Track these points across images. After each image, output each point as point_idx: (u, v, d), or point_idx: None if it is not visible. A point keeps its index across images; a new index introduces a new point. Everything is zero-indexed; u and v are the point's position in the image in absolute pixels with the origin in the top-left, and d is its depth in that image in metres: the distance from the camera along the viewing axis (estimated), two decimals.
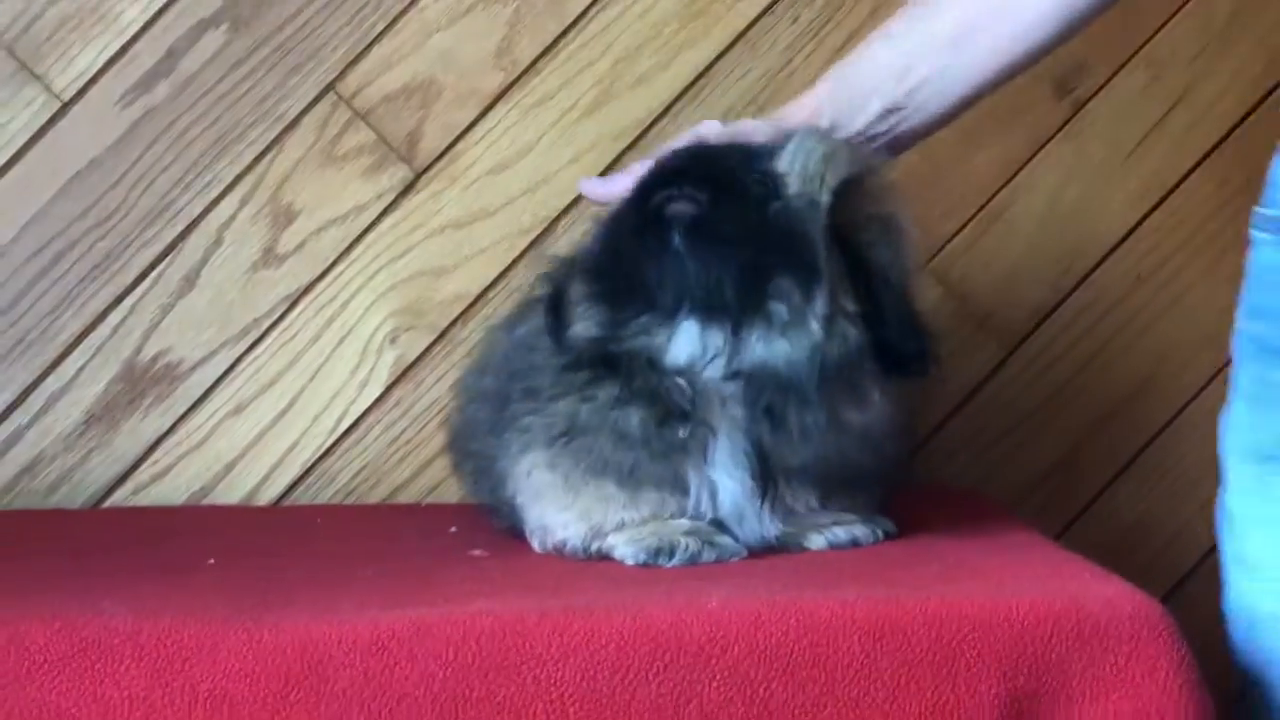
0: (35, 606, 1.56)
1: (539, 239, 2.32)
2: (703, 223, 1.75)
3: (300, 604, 1.60)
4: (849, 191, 1.78)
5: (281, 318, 2.31)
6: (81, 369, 2.29)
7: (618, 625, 1.52)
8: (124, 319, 2.29)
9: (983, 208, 2.39)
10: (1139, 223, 2.41)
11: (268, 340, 2.31)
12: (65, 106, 2.27)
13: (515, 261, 2.32)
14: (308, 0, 2.29)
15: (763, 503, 1.79)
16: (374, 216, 2.32)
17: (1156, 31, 2.40)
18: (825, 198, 1.76)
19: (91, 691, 1.49)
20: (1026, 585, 1.62)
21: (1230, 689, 1.71)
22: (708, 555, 1.77)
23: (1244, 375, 1.77)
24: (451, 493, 2.29)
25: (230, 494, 2.31)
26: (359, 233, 2.31)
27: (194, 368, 2.31)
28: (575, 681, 1.51)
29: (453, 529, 2.04)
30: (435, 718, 1.50)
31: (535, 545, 1.86)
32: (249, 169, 2.30)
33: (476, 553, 1.88)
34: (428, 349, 2.32)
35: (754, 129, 1.88)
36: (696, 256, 1.75)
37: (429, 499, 2.33)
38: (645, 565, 1.77)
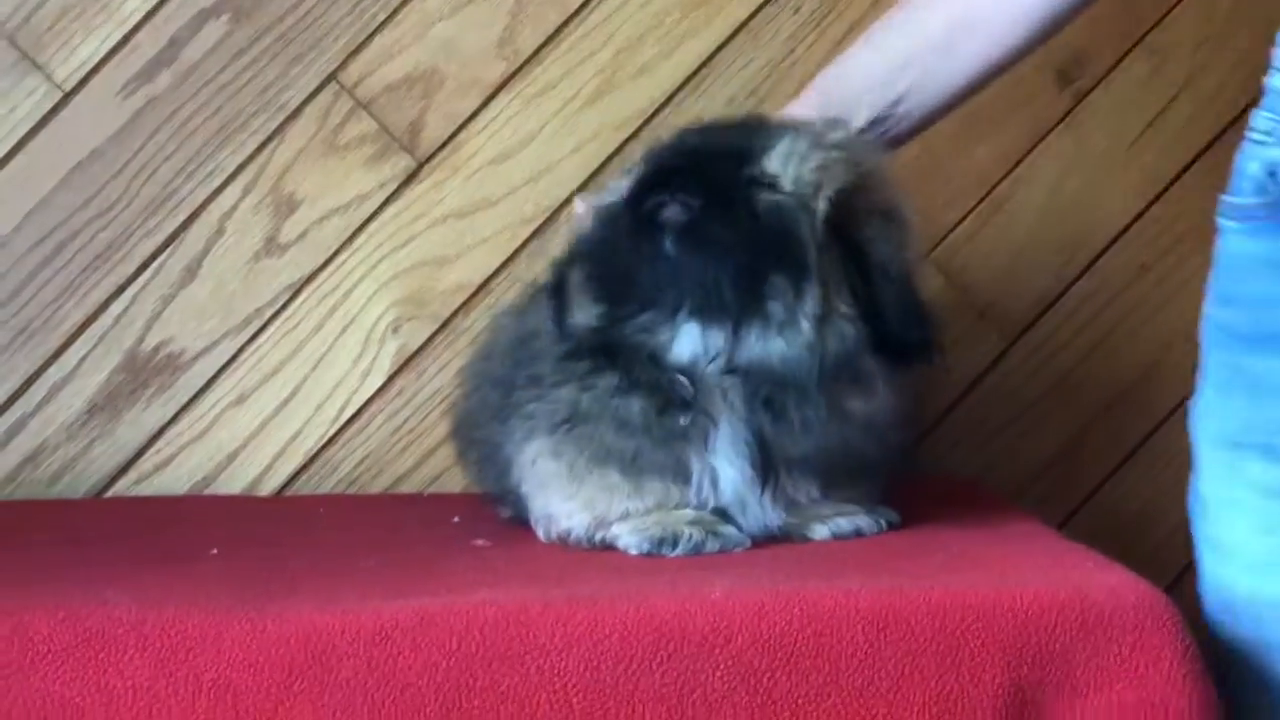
0: (38, 597, 1.56)
1: (541, 228, 2.32)
2: (694, 228, 1.76)
3: (303, 594, 1.60)
4: (847, 190, 1.79)
5: (284, 307, 2.31)
6: (84, 359, 2.29)
7: (621, 615, 1.52)
8: (126, 309, 2.29)
9: (984, 198, 2.39)
10: (1141, 213, 2.40)
11: (270, 330, 2.31)
12: (67, 96, 2.27)
13: (518, 251, 2.32)
14: None
15: (763, 492, 1.80)
16: (376, 206, 2.31)
17: (1158, 22, 2.40)
18: (822, 205, 1.77)
19: (95, 681, 1.49)
20: (1030, 575, 1.62)
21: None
22: (711, 545, 1.77)
23: (1213, 362, 1.79)
24: (454, 482, 2.29)
25: (233, 484, 2.31)
26: (361, 222, 2.31)
27: (196, 357, 2.31)
28: (579, 671, 1.51)
29: (456, 519, 2.04)
30: (439, 707, 1.50)
31: (540, 534, 1.86)
32: (251, 158, 2.30)
33: (479, 542, 1.88)
34: (430, 338, 2.32)
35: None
36: (690, 261, 1.76)
37: (432, 489, 2.33)
38: (649, 555, 1.77)
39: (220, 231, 2.30)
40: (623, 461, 1.80)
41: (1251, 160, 1.76)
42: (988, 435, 2.39)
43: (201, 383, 2.31)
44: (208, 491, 2.31)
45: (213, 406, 2.31)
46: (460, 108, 2.32)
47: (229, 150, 2.29)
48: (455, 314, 2.32)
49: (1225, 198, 1.78)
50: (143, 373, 2.30)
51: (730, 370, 1.77)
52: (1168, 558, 2.26)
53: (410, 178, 2.32)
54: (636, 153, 1.96)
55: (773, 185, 1.77)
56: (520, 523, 1.92)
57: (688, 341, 1.77)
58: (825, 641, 1.52)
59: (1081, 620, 1.53)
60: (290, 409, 2.32)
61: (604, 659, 1.51)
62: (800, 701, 1.51)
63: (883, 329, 1.78)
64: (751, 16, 2.33)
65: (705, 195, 1.76)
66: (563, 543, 1.84)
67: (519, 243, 2.32)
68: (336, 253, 2.31)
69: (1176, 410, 2.36)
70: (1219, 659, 1.71)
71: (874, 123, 1.89)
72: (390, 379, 2.33)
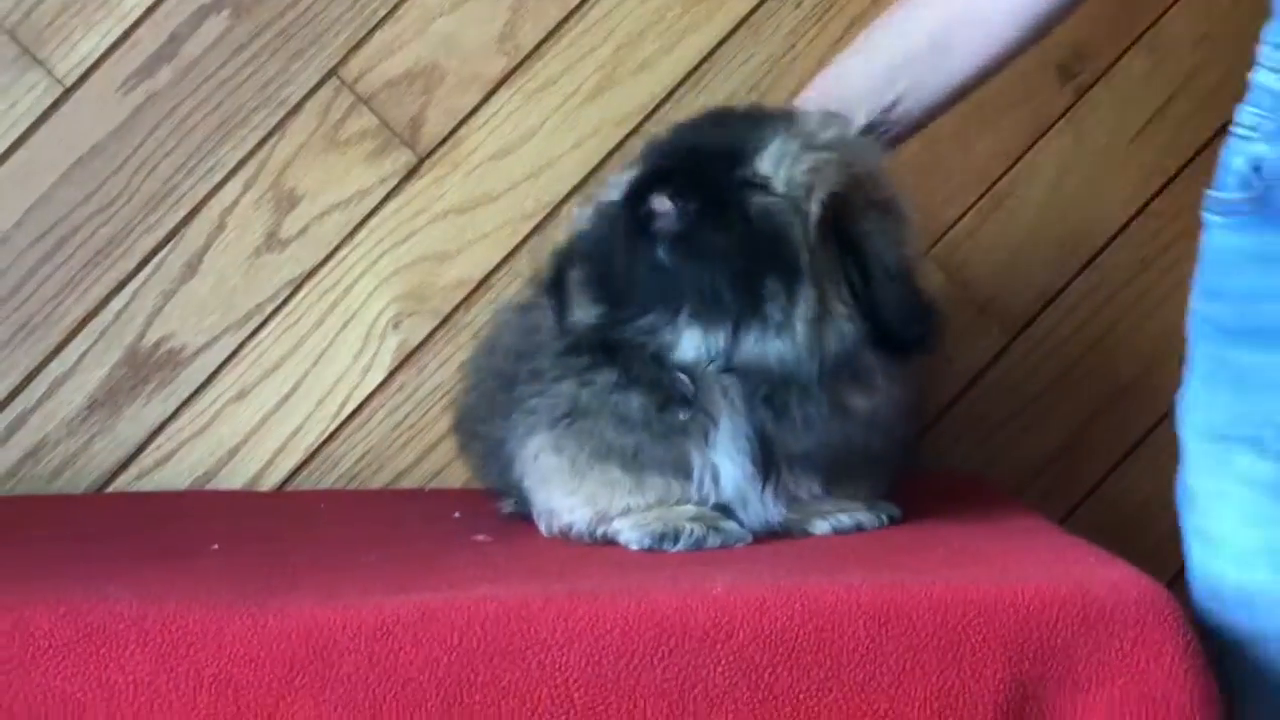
0: (39, 592, 1.56)
1: (542, 224, 2.31)
2: (687, 237, 1.76)
3: (304, 589, 1.60)
4: (840, 192, 1.79)
5: (284, 303, 2.31)
6: (85, 354, 2.29)
7: (622, 610, 1.52)
8: (127, 304, 2.29)
9: (985, 194, 2.39)
10: (1142, 208, 2.40)
11: (271, 325, 2.31)
12: (68, 92, 2.27)
13: (518, 246, 2.32)
14: None
15: (764, 488, 1.80)
16: (377, 201, 2.31)
17: (1159, 17, 2.39)
18: (814, 209, 1.77)
19: (96, 676, 1.49)
20: (1032, 570, 1.62)
21: None
22: (713, 540, 1.77)
23: (1199, 355, 1.80)
24: (455, 478, 2.29)
25: (233, 479, 2.31)
26: (362, 218, 2.31)
27: (197, 353, 2.30)
28: (580, 666, 1.51)
29: (456, 514, 2.04)
30: (440, 702, 1.50)
31: (542, 529, 1.87)
32: (252, 154, 2.30)
33: (480, 538, 1.89)
34: (431, 334, 2.32)
35: None
36: (685, 269, 1.76)
37: (433, 484, 2.33)
38: (650, 550, 1.77)
39: (221, 227, 2.30)
40: (623, 457, 1.80)
41: (1237, 155, 1.77)
42: (989, 430, 2.39)
43: (202, 378, 2.31)
44: (209, 487, 2.31)
45: (213, 402, 2.31)
46: (461, 103, 2.32)
47: (230, 146, 2.29)
48: (456, 309, 2.32)
49: (1210, 192, 1.80)
50: (143, 368, 2.30)
51: (729, 369, 1.77)
52: (1169, 553, 2.24)
53: (411, 173, 2.32)
54: (637, 148, 1.96)
55: (765, 187, 1.77)
56: (521, 518, 1.92)
57: (690, 343, 1.77)
58: (826, 637, 1.52)
59: (1083, 615, 1.53)
60: (291, 404, 2.32)
61: (605, 654, 1.51)
62: (802, 697, 1.51)
63: (882, 324, 1.78)
64: (752, 11, 2.33)
65: (698, 199, 1.76)
66: (564, 537, 1.84)
67: (520, 238, 2.32)
68: (337, 248, 2.31)
69: None
70: (1208, 649, 1.72)
71: (872, 125, 1.89)
72: (391, 374, 2.33)
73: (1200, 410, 1.79)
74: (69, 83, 2.27)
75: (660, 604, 1.53)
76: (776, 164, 1.78)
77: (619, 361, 1.80)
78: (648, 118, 2.32)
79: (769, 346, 1.76)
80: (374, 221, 2.31)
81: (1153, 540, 1.94)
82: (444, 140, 2.32)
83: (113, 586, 1.58)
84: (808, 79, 2.05)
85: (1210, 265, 1.81)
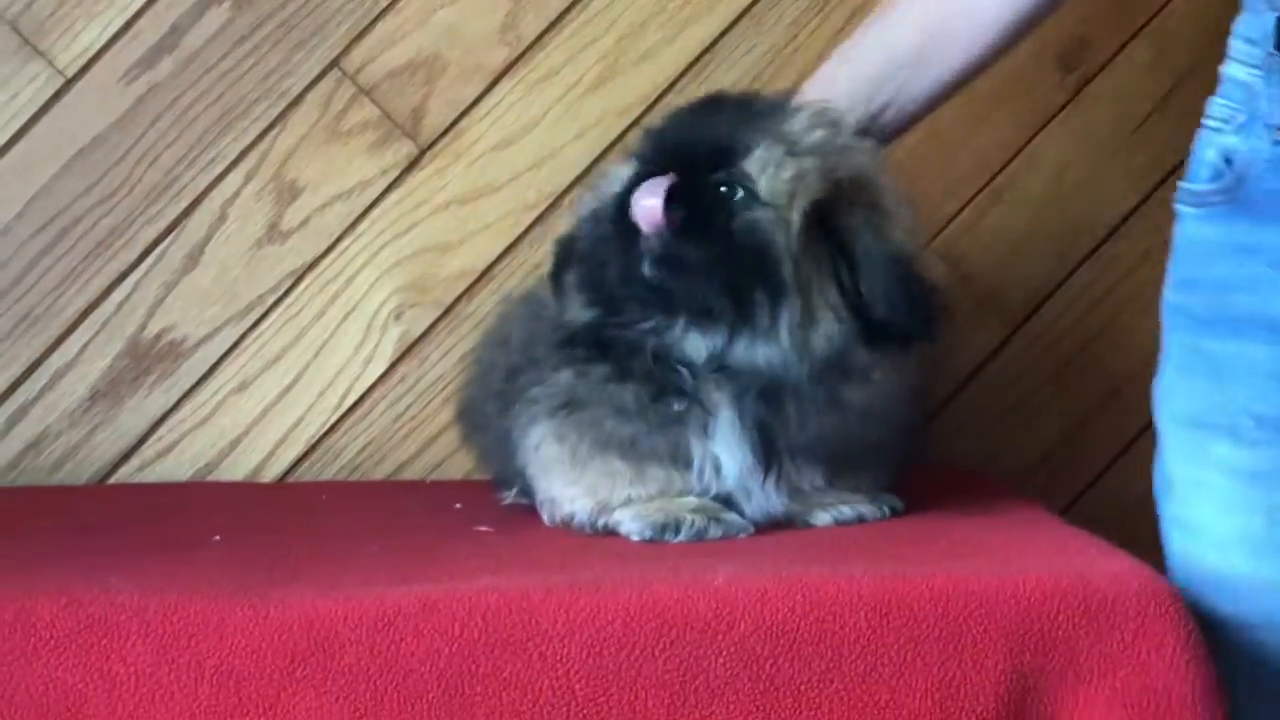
0: (41, 583, 1.56)
1: (544, 214, 2.31)
2: (673, 255, 1.77)
3: (306, 580, 1.60)
4: (823, 200, 1.79)
5: (286, 294, 2.31)
6: (86, 345, 2.29)
7: (624, 601, 1.52)
8: (128, 295, 2.29)
9: (986, 186, 2.39)
10: (1143, 201, 2.40)
11: (272, 317, 2.31)
12: (69, 83, 2.27)
13: (520, 237, 2.32)
14: None
15: (765, 479, 1.80)
16: (379, 192, 2.31)
17: (1160, 9, 2.39)
18: (796, 218, 1.78)
19: (98, 667, 1.49)
20: (1033, 562, 1.62)
21: None
22: (714, 532, 1.77)
23: (1174, 345, 1.83)
24: (457, 469, 2.29)
25: (235, 470, 2.31)
26: (364, 209, 2.31)
27: (198, 344, 2.30)
28: (581, 657, 1.51)
29: (458, 505, 2.04)
30: (441, 693, 1.50)
31: (545, 517, 1.87)
32: (253, 145, 2.30)
33: (482, 528, 1.89)
34: (433, 325, 2.32)
35: None
36: (672, 284, 1.77)
37: (434, 475, 2.33)
38: (651, 541, 1.77)
39: (222, 218, 2.30)
40: (623, 447, 1.81)
41: (1208, 147, 1.82)
42: (990, 423, 2.39)
43: (204, 369, 2.31)
44: (210, 478, 2.31)
45: (215, 393, 2.31)
46: (463, 94, 2.32)
47: (231, 137, 2.29)
48: (458, 300, 2.32)
49: (1182, 184, 1.83)
50: (145, 359, 2.30)
51: (722, 369, 1.78)
52: None
53: (413, 164, 2.32)
54: (636, 139, 1.96)
55: (750, 190, 1.78)
56: (522, 508, 1.92)
57: (693, 345, 1.79)
58: (828, 628, 1.52)
59: (1084, 607, 1.53)
60: (292, 396, 2.32)
61: (606, 645, 1.51)
62: (803, 687, 1.51)
63: (872, 318, 1.78)
64: (754, 2, 2.33)
65: (684, 210, 1.76)
66: (566, 527, 1.84)
67: (522, 229, 2.32)
68: (339, 239, 2.31)
69: None
70: None
71: (860, 133, 1.90)
72: (392, 366, 2.33)
73: (1177, 399, 1.82)
74: (70, 74, 2.27)
75: (662, 595, 1.53)
76: (761, 169, 1.79)
77: (612, 356, 1.81)
78: (650, 108, 2.31)
79: (758, 352, 1.78)
80: (375, 212, 2.31)
81: (1153, 532, 1.94)
82: (446, 131, 2.31)
83: (114, 578, 1.58)
84: (809, 70, 2.04)
85: (1182, 256, 1.83)
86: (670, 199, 1.76)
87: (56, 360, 2.28)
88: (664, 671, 1.51)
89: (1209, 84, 2.37)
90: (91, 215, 2.28)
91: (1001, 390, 2.40)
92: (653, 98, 2.32)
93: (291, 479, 2.32)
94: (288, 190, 2.30)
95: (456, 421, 2.17)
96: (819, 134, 1.84)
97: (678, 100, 2.27)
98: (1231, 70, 1.81)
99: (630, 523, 1.80)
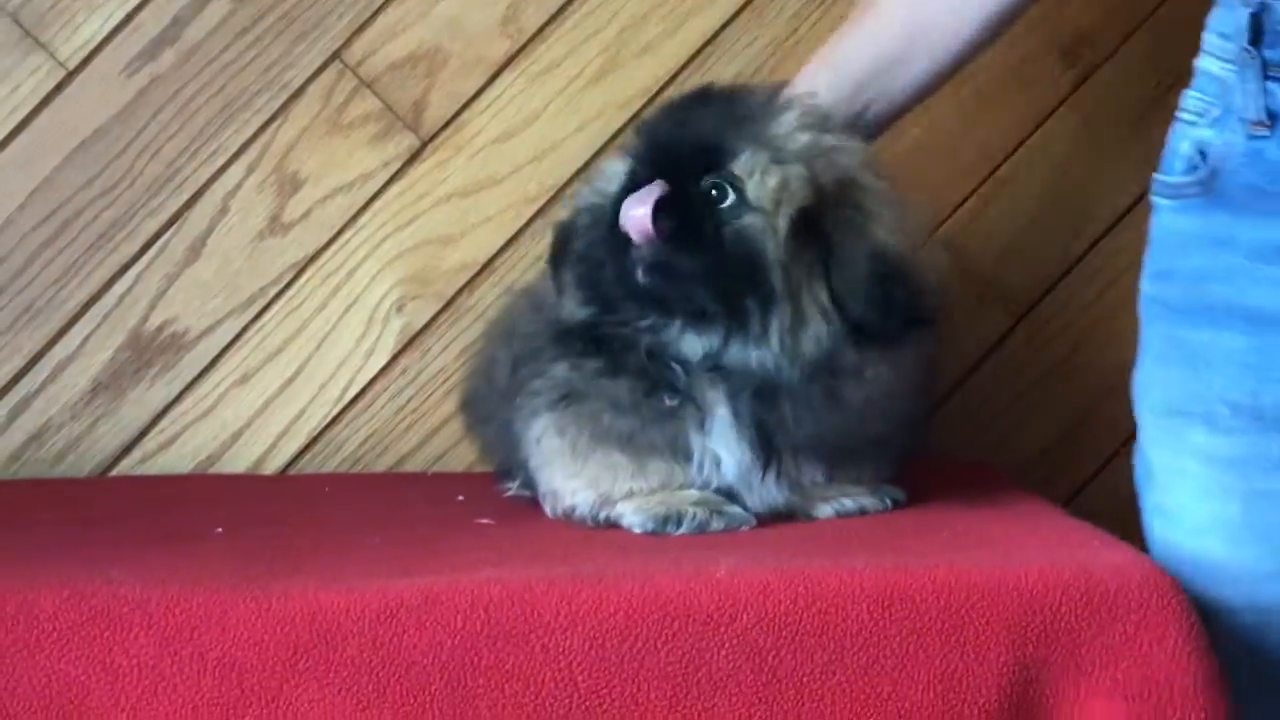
0: (44, 575, 1.56)
1: (545, 207, 2.31)
2: (664, 264, 1.77)
3: (308, 572, 1.60)
4: (809, 206, 1.79)
5: (288, 286, 2.31)
6: (88, 338, 2.29)
7: (626, 593, 1.52)
8: (130, 288, 2.29)
9: (988, 177, 2.39)
10: (1145, 192, 2.39)
11: (274, 309, 2.31)
12: (70, 75, 2.27)
13: (522, 230, 2.32)
14: None
15: (765, 474, 1.80)
16: (380, 185, 2.31)
17: (1162, 1, 2.39)
18: (783, 224, 1.78)
19: (100, 659, 1.49)
20: (1035, 553, 1.62)
21: None
22: (716, 524, 1.77)
23: (1151, 335, 1.86)
24: (459, 461, 2.29)
25: (237, 463, 2.31)
26: (365, 201, 2.31)
27: (200, 336, 2.31)
28: (583, 650, 1.51)
29: (460, 497, 2.04)
30: (443, 686, 1.50)
31: (547, 509, 1.87)
32: (255, 137, 2.30)
33: (484, 521, 1.89)
34: (434, 317, 2.32)
35: None
36: (665, 291, 1.78)
37: (436, 467, 2.33)
38: (653, 533, 1.77)
39: (224, 210, 2.30)
40: (622, 440, 1.81)
41: (1182, 140, 1.83)
42: (992, 414, 2.39)
43: (206, 362, 2.31)
44: (212, 470, 2.31)
45: (217, 385, 2.31)
46: (464, 86, 2.32)
47: (233, 129, 2.29)
48: (459, 293, 2.32)
49: (1157, 176, 1.85)
50: (147, 352, 2.30)
51: (717, 368, 1.79)
52: None
53: (414, 156, 2.32)
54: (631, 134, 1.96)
55: (740, 192, 1.78)
56: (524, 501, 1.92)
57: (690, 345, 1.80)
58: (830, 620, 1.52)
59: (1086, 599, 1.53)
60: (294, 388, 2.32)
61: (609, 637, 1.51)
62: (805, 680, 1.51)
63: (852, 318, 1.78)
64: None
65: (675, 218, 1.77)
66: (568, 519, 1.84)
67: (523, 221, 2.32)
68: (340, 232, 2.31)
69: None
70: None
71: (847, 128, 1.91)
72: (394, 358, 2.33)
73: (1156, 388, 1.85)
74: (72, 66, 2.27)
75: (663, 587, 1.53)
76: (748, 174, 1.79)
77: (606, 351, 1.81)
78: (651, 100, 2.31)
79: (750, 355, 1.78)
80: (377, 205, 2.31)
81: None
82: (447, 123, 2.31)
83: (117, 570, 1.58)
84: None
85: (1159, 247, 1.85)
86: (659, 209, 1.76)
87: (58, 352, 2.28)
88: (666, 664, 1.51)
89: None
90: (93, 207, 2.28)
91: (1004, 382, 2.40)
92: (654, 90, 2.32)
93: (293, 471, 2.32)
94: (289, 182, 2.30)
95: (460, 413, 2.17)
96: (805, 137, 1.84)
97: (679, 94, 2.27)
98: (1205, 64, 1.83)
99: (632, 515, 1.80)
